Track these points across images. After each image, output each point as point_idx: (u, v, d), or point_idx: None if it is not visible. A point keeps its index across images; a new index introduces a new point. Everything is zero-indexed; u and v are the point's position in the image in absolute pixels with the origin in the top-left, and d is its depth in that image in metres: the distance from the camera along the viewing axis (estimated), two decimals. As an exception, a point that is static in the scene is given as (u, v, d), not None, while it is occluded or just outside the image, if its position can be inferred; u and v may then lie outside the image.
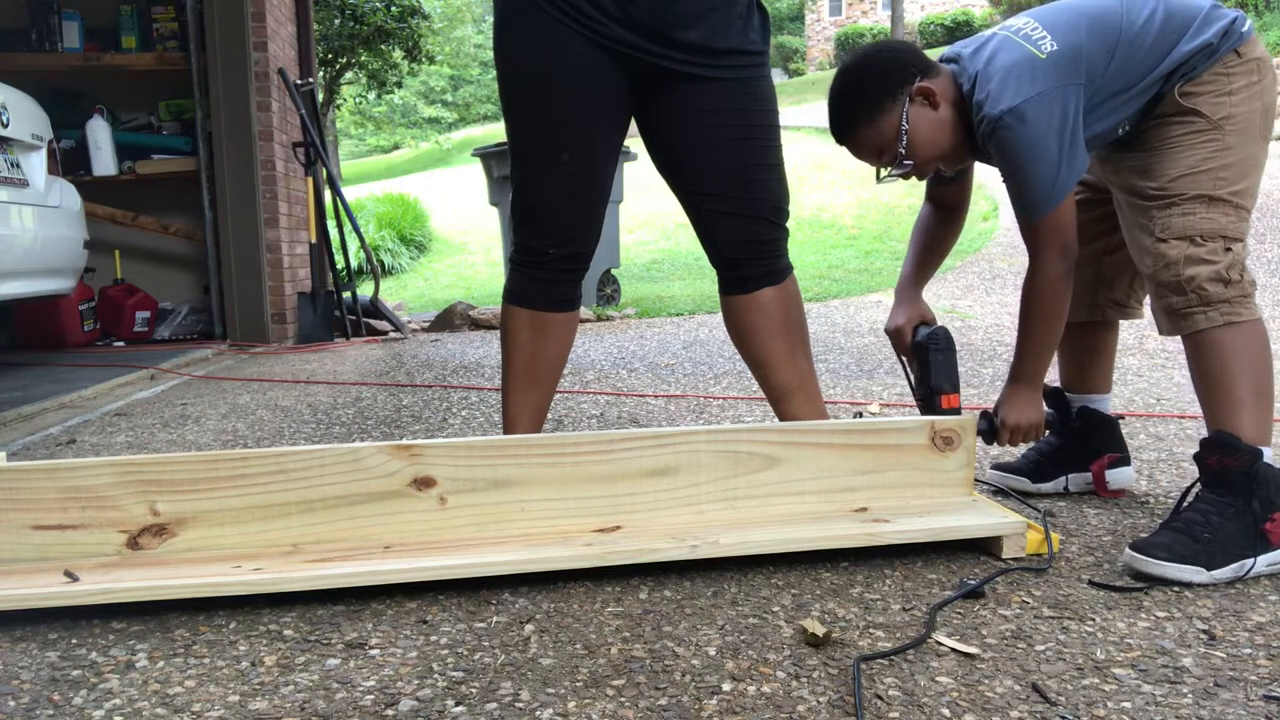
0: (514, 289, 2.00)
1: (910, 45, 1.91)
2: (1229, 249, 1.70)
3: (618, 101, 1.89)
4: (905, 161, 1.83)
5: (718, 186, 1.91)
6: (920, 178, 1.91)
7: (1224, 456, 1.63)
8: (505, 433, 2.01)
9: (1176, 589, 1.55)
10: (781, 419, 2.03)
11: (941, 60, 1.89)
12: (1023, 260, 1.89)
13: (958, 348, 2.01)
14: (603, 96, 1.87)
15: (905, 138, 1.81)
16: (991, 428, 1.95)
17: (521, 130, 1.91)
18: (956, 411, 1.90)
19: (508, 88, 1.91)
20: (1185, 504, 1.67)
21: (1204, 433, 1.72)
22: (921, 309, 2.04)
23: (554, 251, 1.94)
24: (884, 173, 1.89)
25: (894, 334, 2.04)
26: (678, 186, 1.98)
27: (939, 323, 2.04)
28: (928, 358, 1.95)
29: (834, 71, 2.08)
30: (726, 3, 1.82)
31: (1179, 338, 1.75)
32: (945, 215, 2.09)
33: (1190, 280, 1.69)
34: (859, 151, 1.89)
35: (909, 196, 10.45)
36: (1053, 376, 2.01)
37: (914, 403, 2.03)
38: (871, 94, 1.82)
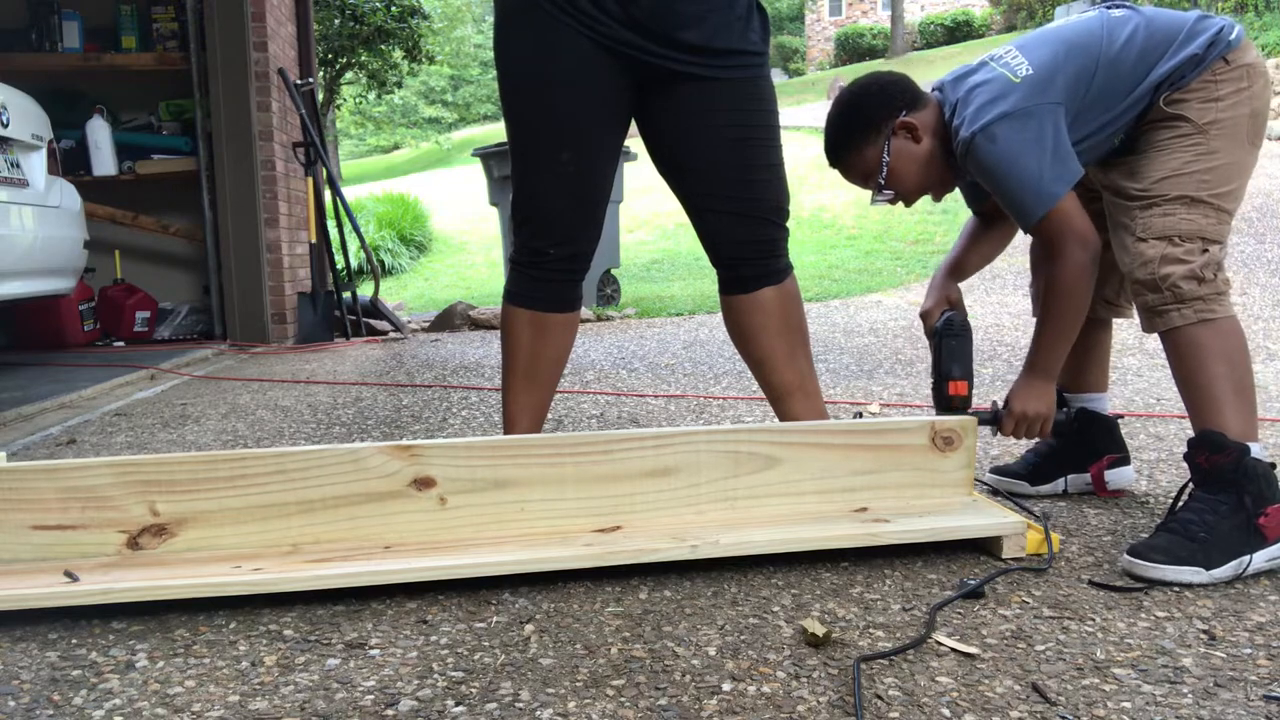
0: (514, 289, 2.00)
1: (902, 77, 1.97)
2: (1206, 250, 1.72)
3: (618, 101, 1.89)
4: (885, 190, 1.92)
5: (718, 187, 1.91)
6: (907, 204, 1.97)
7: (1212, 454, 1.64)
8: (505, 433, 2.01)
9: (1176, 589, 1.55)
10: (781, 419, 2.03)
11: (934, 89, 1.96)
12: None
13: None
14: (603, 97, 1.87)
15: (885, 169, 1.90)
16: (996, 416, 1.95)
17: (522, 130, 1.91)
18: (964, 398, 1.89)
19: (508, 87, 1.91)
20: (1179, 505, 1.68)
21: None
22: (950, 293, 2.05)
23: (554, 252, 1.94)
24: (873, 196, 1.98)
25: (923, 317, 2.06)
26: (678, 187, 1.98)
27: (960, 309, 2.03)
28: (940, 342, 1.95)
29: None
30: (726, 3, 1.83)
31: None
32: (990, 228, 2.11)
33: (1165, 278, 1.71)
34: (847, 175, 1.99)
35: (909, 197, 10.40)
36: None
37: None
38: (857, 125, 1.91)
